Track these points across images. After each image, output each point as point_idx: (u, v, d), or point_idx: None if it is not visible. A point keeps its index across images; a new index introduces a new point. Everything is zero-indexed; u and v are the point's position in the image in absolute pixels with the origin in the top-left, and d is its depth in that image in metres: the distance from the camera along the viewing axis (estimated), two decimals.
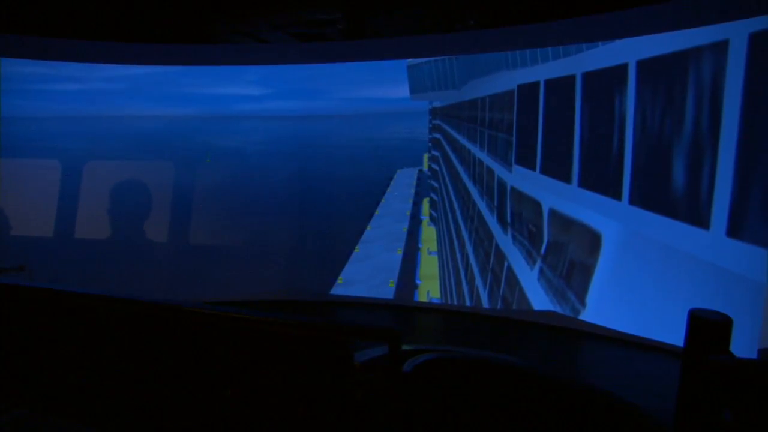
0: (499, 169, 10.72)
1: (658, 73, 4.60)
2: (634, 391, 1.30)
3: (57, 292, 0.95)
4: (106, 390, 0.95)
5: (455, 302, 15.65)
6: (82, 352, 0.96)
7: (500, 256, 10.00)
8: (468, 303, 13.17)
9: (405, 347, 1.05)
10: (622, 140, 5.13)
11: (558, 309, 6.31)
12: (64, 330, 0.97)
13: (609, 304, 5.31)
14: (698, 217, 3.87)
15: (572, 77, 6.37)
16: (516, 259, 8.82)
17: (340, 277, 19.53)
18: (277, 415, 0.85)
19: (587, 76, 6.09)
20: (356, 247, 23.11)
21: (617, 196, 5.13)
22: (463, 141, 16.86)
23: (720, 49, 3.63)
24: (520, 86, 8.92)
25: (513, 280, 8.86)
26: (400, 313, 2.42)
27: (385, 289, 19.27)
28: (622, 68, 5.08)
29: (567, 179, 6.43)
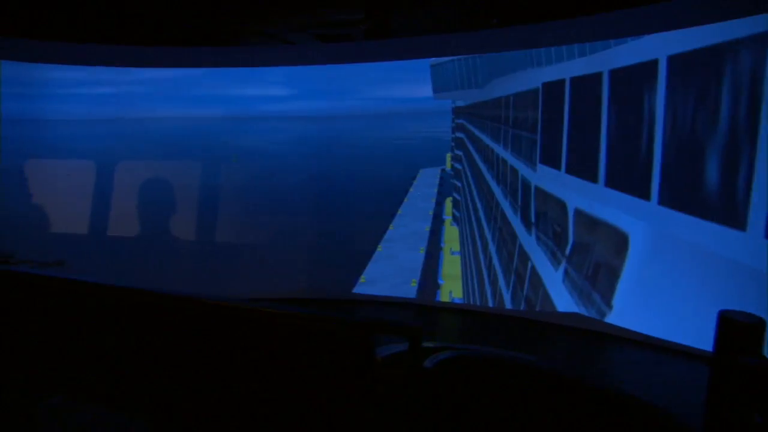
0: (523, 169, 10.58)
1: (691, 68, 4.45)
2: (662, 396, 1.26)
3: (93, 285, 1.00)
4: (138, 380, 0.99)
5: (478, 302, 15.51)
6: (116, 343, 1.00)
7: (524, 257, 9.86)
8: (491, 304, 13.04)
9: (427, 344, 1.04)
10: (651, 138, 4.99)
11: (583, 311, 6.19)
12: (99, 321, 1.01)
13: (636, 307, 5.17)
14: (734, 218, 3.73)
15: (599, 74, 6.23)
16: (540, 260, 8.68)
17: (362, 276, 19.62)
18: (299, 408, 0.86)
19: (615, 73, 5.95)
20: (379, 246, 23.18)
21: (645, 196, 4.99)
22: (487, 140, 16.70)
23: (760, 41, 3.50)
24: (545, 84, 8.77)
25: (537, 281, 8.73)
26: (422, 312, 2.41)
27: (407, 288, 19.27)
28: (652, 64, 4.94)
29: (593, 179, 6.29)
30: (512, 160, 11.83)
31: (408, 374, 0.82)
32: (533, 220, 9.46)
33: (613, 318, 5.48)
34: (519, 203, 10.79)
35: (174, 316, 0.95)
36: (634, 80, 5.46)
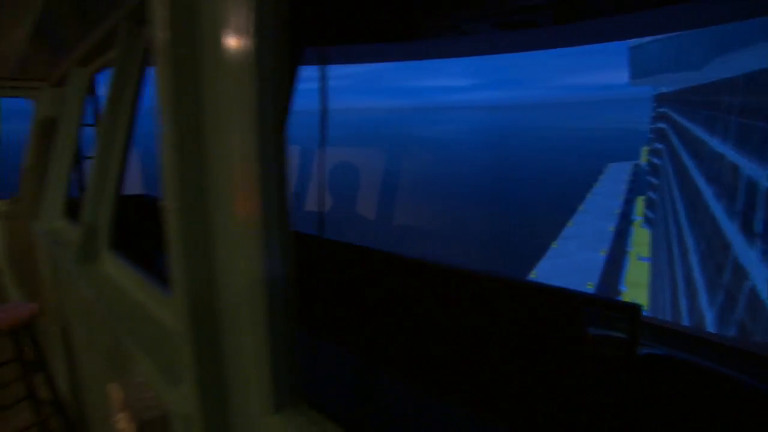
0: (748, 166, 8.71)
1: None
2: None
3: (352, 247, 1.28)
4: (372, 325, 1.24)
5: (668, 318, 13.40)
6: (363, 295, 1.26)
7: (740, 273, 8.16)
8: (685, 322, 11.18)
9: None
10: None
11: None
12: (352, 276, 1.29)
13: None
14: None
15: None
16: (765, 280, 7.08)
17: (533, 272, 18.71)
18: (508, 364, 0.96)
19: None
20: (554, 242, 21.69)
21: None
22: (698, 131, 14.13)
23: None
24: None
25: (757, 305, 7.16)
26: None
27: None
28: None
29: None
30: (733, 156, 9.82)
31: (622, 355, 0.82)
32: (759, 229, 7.73)
33: None
34: (739, 208, 8.92)
35: (406, 276, 1.16)
36: None
